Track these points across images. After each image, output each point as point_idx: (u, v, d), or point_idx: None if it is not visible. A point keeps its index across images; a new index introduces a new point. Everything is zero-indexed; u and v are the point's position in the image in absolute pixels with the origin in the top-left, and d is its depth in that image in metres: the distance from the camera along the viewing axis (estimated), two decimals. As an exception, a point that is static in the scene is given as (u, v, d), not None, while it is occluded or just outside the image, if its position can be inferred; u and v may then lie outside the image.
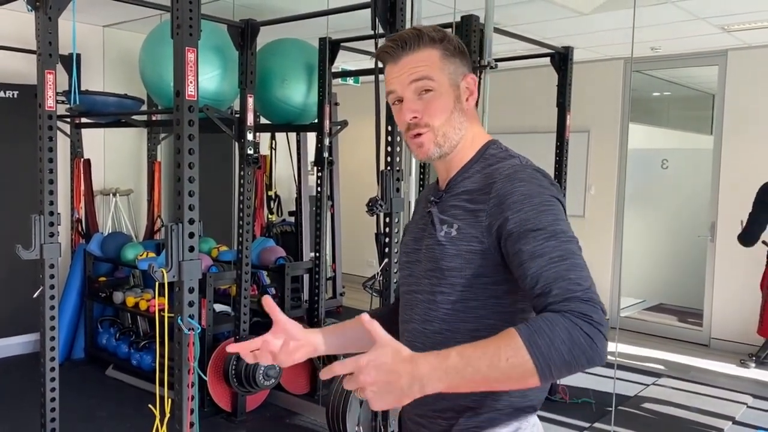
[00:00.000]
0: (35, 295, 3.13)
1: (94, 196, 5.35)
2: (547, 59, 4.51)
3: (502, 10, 4.26)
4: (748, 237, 4.83)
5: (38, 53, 3.07)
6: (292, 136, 5.46)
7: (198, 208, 2.62)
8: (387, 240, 3.12)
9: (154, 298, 4.56)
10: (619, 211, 6.27)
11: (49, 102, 3.08)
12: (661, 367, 5.33)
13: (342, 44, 4.21)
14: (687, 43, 5.53)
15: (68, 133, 5.20)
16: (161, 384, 2.69)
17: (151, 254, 4.61)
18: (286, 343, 1.27)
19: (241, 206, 3.98)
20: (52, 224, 3.07)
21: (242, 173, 3.98)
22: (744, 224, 4.89)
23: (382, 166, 3.15)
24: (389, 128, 3.14)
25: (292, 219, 5.87)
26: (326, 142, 4.21)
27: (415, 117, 1.27)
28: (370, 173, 3.57)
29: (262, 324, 4.40)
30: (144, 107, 5.16)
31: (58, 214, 3.11)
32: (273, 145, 5.98)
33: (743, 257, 5.46)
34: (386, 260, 3.13)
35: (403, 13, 3.09)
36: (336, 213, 5.06)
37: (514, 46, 4.78)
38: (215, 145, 5.51)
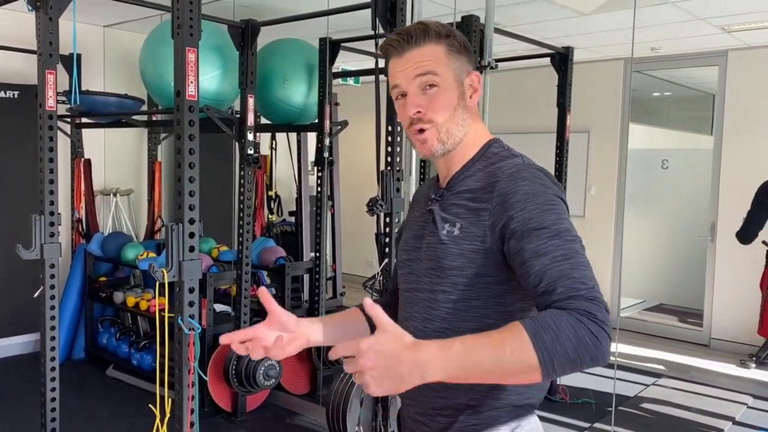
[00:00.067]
0: (35, 295, 3.13)
1: (94, 196, 5.35)
2: (548, 59, 4.51)
3: (503, 10, 4.25)
4: (745, 235, 4.83)
5: (39, 53, 3.08)
6: (293, 136, 5.46)
7: (198, 208, 2.62)
8: (387, 240, 3.13)
9: (155, 298, 4.57)
10: (620, 211, 6.27)
11: (50, 102, 3.08)
12: (662, 367, 5.33)
13: (342, 44, 4.21)
14: (687, 43, 5.53)
15: (69, 133, 5.20)
16: (161, 384, 2.69)
17: (152, 254, 4.61)
18: (279, 339, 1.26)
19: (241, 206, 3.99)
20: (52, 224, 3.07)
21: (242, 173, 3.98)
22: (743, 221, 4.89)
23: (382, 166, 3.15)
24: (389, 128, 3.14)
25: (293, 219, 5.86)
26: (326, 142, 4.21)
27: (419, 112, 1.26)
28: (371, 173, 3.57)
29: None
30: (144, 107, 5.16)
31: (59, 214, 3.11)
32: (273, 145, 5.98)
33: (743, 257, 5.46)
34: (386, 260, 3.13)
35: (404, 13, 3.09)
36: (336, 213, 5.06)
37: (514, 46, 4.78)
38: (216, 145, 5.51)
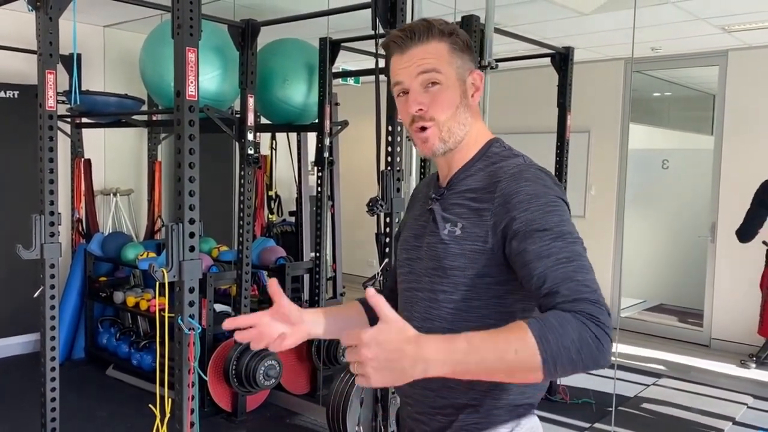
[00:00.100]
0: (35, 295, 3.13)
1: (94, 195, 5.35)
2: (548, 59, 4.51)
3: (503, 10, 4.25)
4: (745, 233, 4.82)
5: (39, 53, 3.08)
6: (293, 136, 5.46)
7: (198, 208, 2.62)
8: (387, 240, 3.12)
9: (155, 297, 4.57)
10: (620, 211, 6.26)
11: (50, 102, 3.08)
12: (662, 367, 5.33)
13: (342, 44, 4.21)
14: (687, 43, 5.53)
15: (69, 133, 5.20)
16: (161, 384, 2.69)
17: (152, 254, 4.61)
18: (281, 336, 1.28)
19: (241, 206, 3.98)
20: (52, 224, 3.07)
21: (243, 173, 3.98)
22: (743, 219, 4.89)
23: (382, 166, 3.15)
24: (390, 128, 3.14)
25: (293, 219, 5.86)
26: (327, 142, 4.21)
27: (421, 109, 1.26)
28: (371, 173, 3.57)
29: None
30: (144, 107, 5.16)
31: (59, 213, 3.11)
32: (273, 145, 5.98)
33: (744, 258, 5.46)
34: (386, 260, 3.13)
35: (404, 13, 3.09)
36: (336, 213, 5.05)
37: (514, 46, 4.77)
38: (216, 145, 5.51)
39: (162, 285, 2.50)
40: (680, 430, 4.11)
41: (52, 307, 3.11)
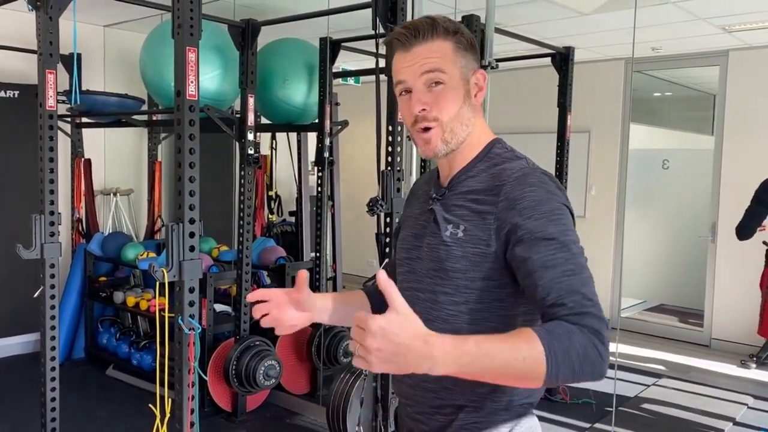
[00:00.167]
0: (36, 295, 3.13)
1: (94, 195, 5.35)
2: (548, 59, 4.51)
3: (503, 10, 4.25)
4: (744, 231, 4.81)
5: (39, 53, 3.08)
6: (293, 136, 5.45)
7: (198, 208, 2.62)
8: (387, 240, 3.12)
9: (155, 297, 4.56)
10: (620, 211, 6.26)
11: (50, 102, 3.07)
12: (662, 367, 5.33)
13: (343, 44, 4.20)
14: (688, 43, 5.53)
15: (69, 132, 5.20)
16: (161, 384, 2.69)
17: (152, 254, 4.61)
18: (292, 328, 1.35)
19: (241, 206, 3.98)
20: (52, 224, 3.07)
21: (243, 173, 3.97)
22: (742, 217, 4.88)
23: (382, 166, 3.15)
24: (390, 128, 3.14)
25: (293, 219, 5.86)
26: (327, 142, 4.21)
27: (424, 109, 1.24)
28: (371, 173, 3.57)
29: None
30: (145, 107, 5.16)
31: (59, 213, 3.11)
32: (273, 145, 5.97)
33: (744, 258, 5.46)
34: (386, 260, 3.13)
35: (404, 13, 3.09)
36: (336, 213, 5.04)
37: (514, 46, 4.77)
38: (216, 145, 5.51)
39: (162, 285, 2.50)
40: (680, 430, 4.11)
41: (52, 307, 3.11)
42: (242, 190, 3.96)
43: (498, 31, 3.67)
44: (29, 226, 3.04)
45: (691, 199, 6.87)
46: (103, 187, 5.58)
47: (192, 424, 2.64)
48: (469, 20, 3.51)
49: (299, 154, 5.40)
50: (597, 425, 4.07)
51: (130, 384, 4.56)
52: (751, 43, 5.42)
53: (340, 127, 4.52)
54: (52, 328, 3.12)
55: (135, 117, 4.88)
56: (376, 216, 3.13)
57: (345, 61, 5.93)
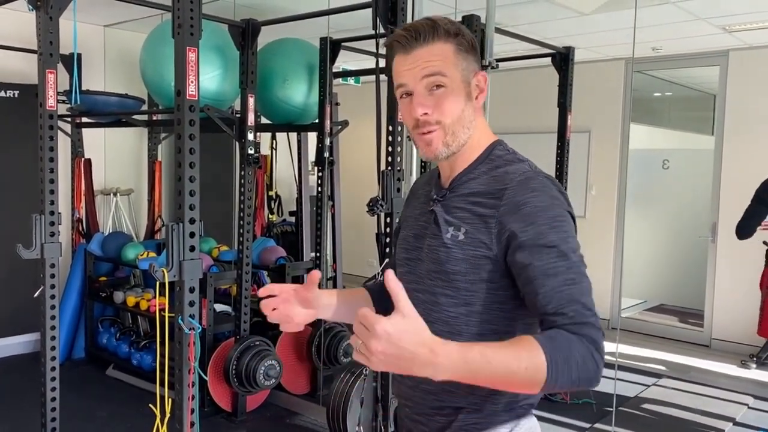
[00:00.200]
0: (36, 295, 3.13)
1: (94, 195, 5.35)
2: (548, 59, 4.51)
3: (503, 10, 4.25)
4: (743, 230, 4.80)
5: (39, 53, 3.07)
6: (293, 136, 5.46)
7: (199, 208, 2.62)
8: (388, 240, 3.12)
9: (155, 297, 4.56)
10: (620, 211, 6.26)
11: (50, 101, 3.07)
12: (662, 367, 5.33)
13: (343, 44, 4.20)
14: (688, 43, 5.53)
15: (69, 132, 5.20)
16: (162, 384, 2.69)
17: (152, 254, 4.61)
18: (297, 325, 1.35)
19: (241, 206, 3.98)
20: (52, 224, 3.07)
21: (243, 173, 3.97)
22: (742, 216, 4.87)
23: (382, 166, 3.15)
24: (390, 128, 3.13)
25: (293, 219, 5.86)
26: (327, 142, 4.21)
27: (426, 114, 1.23)
28: (371, 173, 3.57)
29: (262, 324, 4.40)
30: (145, 107, 5.16)
31: (59, 213, 3.11)
32: (274, 145, 5.97)
33: (744, 258, 5.46)
34: (387, 260, 3.13)
35: (404, 12, 3.09)
36: (336, 213, 5.05)
37: (515, 46, 4.77)
38: (216, 144, 5.51)
39: (162, 285, 2.50)
40: (681, 430, 4.11)
41: (53, 307, 3.11)
42: (242, 190, 3.96)
43: (498, 31, 3.66)
44: (29, 226, 3.04)
45: (691, 199, 6.87)
46: (103, 187, 5.58)
47: (192, 424, 2.64)
48: (470, 20, 3.51)
49: (299, 154, 5.41)
50: (597, 425, 4.07)
51: (130, 384, 4.56)
52: (752, 43, 5.42)
53: (340, 127, 4.52)
54: (53, 327, 3.12)
55: (135, 117, 4.88)
56: (376, 216, 3.13)
57: (345, 61, 5.93)
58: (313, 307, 1.36)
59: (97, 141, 5.57)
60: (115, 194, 5.57)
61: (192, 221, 2.59)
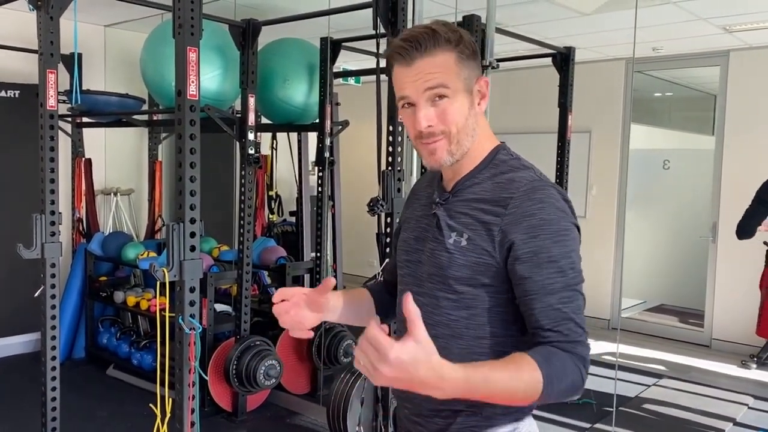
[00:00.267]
0: (36, 295, 3.13)
1: (95, 195, 5.35)
2: (549, 59, 4.51)
3: (504, 10, 4.25)
4: (742, 230, 4.79)
5: (40, 53, 3.07)
6: (293, 135, 5.46)
7: (199, 208, 2.62)
8: (388, 240, 3.12)
9: (155, 297, 4.56)
10: (621, 211, 6.26)
11: (51, 101, 3.07)
12: (662, 367, 5.32)
13: (343, 44, 4.20)
14: (689, 43, 5.52)
15: (69, 132, 5.20)
16: (162, 383, 2.69)
17: (152, 254, 4.61)
18: (307, 333, 1.35)
19: (242, 206, 3.98)
20: (53, 223, 3.07)
21: (243, 173, 3.97)
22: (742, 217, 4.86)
23: (383, 166, 3.15)
24: (390, 128, 3.13)
25: (293, 219, 5.86)
26: (327, 142, 4.21)
27: (431, 126, 1.22)
28: (372, 173, 3.57)
29: (262, 324, 4.40)
30: (145, 107, 5.16)
31: (59, 213, 3.11)
32: (274, 145, 5.97)
33: (745, 258, 5.45)
34: (387, 260, 3.13)
35: (405, 13, 3.09)
36: (337, 213, 5.05)
37: (515, 46, 4.77)
38: (216, 144, 5.51)
39: (162, 285, 2.50)
40: (681, 430, 4.11)
41: (53, 307, 3.11)
42: (243, 189, 3.96)
43: (499, 31, 3.66)
44: (30, 226, 3.04)
45: (691, 200, 6.87)
46: (103, 187, 5.58)
47: (192, 424, 2.64)
48: (470, 20, 3.50)
49: (300, 154, 5.41)
50: (597, 425, 4.07)
51: (130, 384, 4.56)
52: (752, 43, 5.42)
53: (340, 127, 4.52)
54: (53, 327, 3.12)
55: (135, 117, 4.88)
56: (376, 216, 3.13)
57: (345, 60, 5.93)
58: (321, 311, 1.36)
59: (97, 141, 5.57)
60: (115, 194, 5.57)
61: (192, 221, 2.59)
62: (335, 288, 1.33)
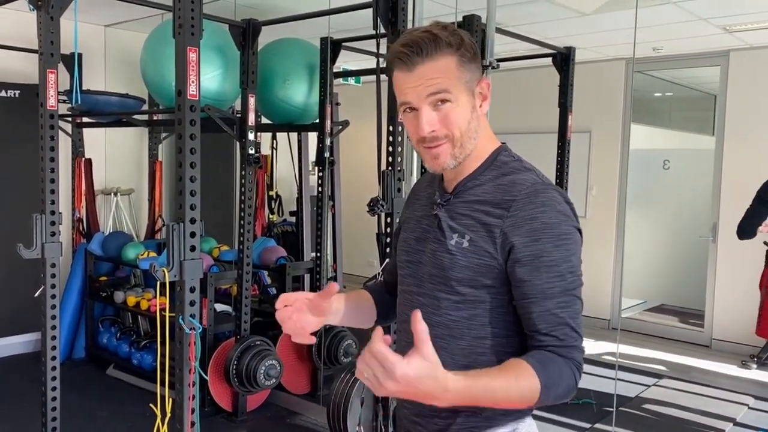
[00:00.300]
0: (36, 295, 3.13)
1: (95, 195, 5.35)
2: (549, 59, 4.51)
3: (504, 10, 4.25)
4: (743, 230, 4.79)
5: (40, 53, 3.07)
6: (294, 135, 5.46)
7: (199, 208, 2.62)
8: (388, 240, 3.12)
9: (155, 297, 4.56)
10: (621, 211, 6.26)
11: (51, 101, 3.07)
12: (662, 368, 5.32)
13: (343, 44, 4.20)
14: (689, 43, 5.52)
15: (70, 132, 5.20)
16: (162, 383, 2.69)
17: (152, 254, 4.61)
18: (310, 338, 1.34)
19: (242, 206, 3.98)
20: (53, 223, 3.07)
21: (243, 173, 3.97)
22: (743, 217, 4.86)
23: (383, 166, 3.15)
24: (390, 128, 3.13)
25: (293, 219, 5.86)
26: (327, 142, 4.21)
27: (434, 131, 1.22)
28: (372, 173, 3.57)
29: (262, 324, 4.40)
30: (145, 107, 5.16)
31: (60, 213, 3.11)
32: (274, 145, 5.97)
33: (745, 258, 5.45)
34: (387, 260, 3.13)
35: (405, 13, 3.09)
36: (337, 213, 5.05)
37: (515, 46, 4.77)
38: (217, 144, 5.51)
39: (163, 284, 2.50)
40: (681, 430, 4.11)
41: (53, 307, 3.11)
42: (243, 189, 3.96)
43: (499, 31, 3.66)
44: (30, 226, 3.04)
45: (691, 200, 6.87)
46: (103, 187, 5.58)
47: (192, 424, 2.64)
48: (470, 20, 3.50)
49: (300, 154, 5.41)
50: (597, 425, 4.07)
51: (130, 384, 4.56)
52: (752, 43, 5.42)
53: (340, 127, 4.52)
54: (53, 327, 3.12)
55: (136, 117, 4.88)
56: (376, 216, 3.13)
57: (346, 60, 5.93)
58: (324, 315, 1.35)
59: (97, 141, 5.57)
60: (115, 194, 5.57)
61: (193, 221, 2.59)
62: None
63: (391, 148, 3.12)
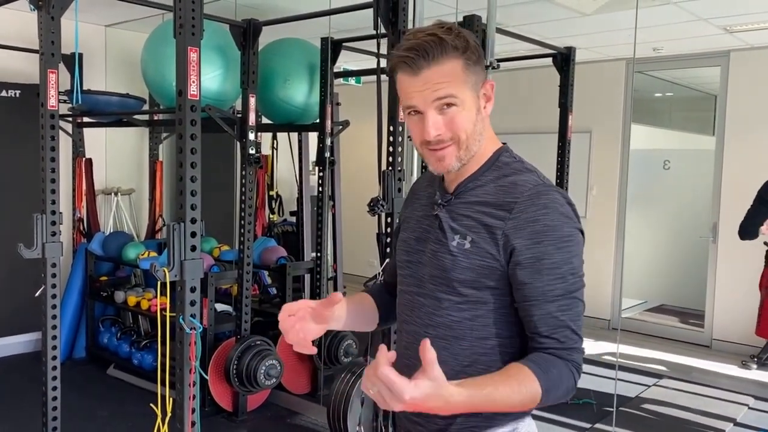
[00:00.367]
0: (37, 294, 3.13)
1: (95, 195, 5.35)
2: (549, 59, 4.51)
3: (504, 10, 4.25)
4: (744, 230, 4.78)
5: (41, 53, 3.08)
6: (294, 135, 5.46)
7: (200, 208, 2.62)
8: (388, 240, 3.12)
9: (156, 297, 4.57)
10: (621, 211, 6.26)
11: (52, 101, 3.08)
12: (663, 368, 5.32)
13: (344, 44, 4.21)
14: (689, 43, 5.52)
15: (70, 132, 5.21)
16: (162, 383, 2.69)
17: (153, 253, 4.61)
18: (312, 349, 1.33)
19: (242, 206, 3.99)
20: (53, 223, 3.07)
21: (244, 173, 3.98)
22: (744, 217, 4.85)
23: (383, 166, 3.15)
24: (391, 128, 3.13)
25: (294, 219, 5.86)
26: (328, 142, 4.21)
27: (439, 135, 1.22)
28: (372, 173, 3.57)
29: (263, 324, 4.40)
30: (146, 107, 5.16)
31: (60, 213, 3.11)
32: (275, 145, 5.98)
33: (745, 258, 5.45)
34: (387, 260, 3.13)
35: (406, 13, 3.09)
36: (337, 213, 5.05)
37: (515, 46, 4.77)
38: (217, 144, 5.51)
39: (163, 284, 2.50)
40: (681, 430, 4.11)
41: (54, 307, 3.11)
42: (243, 189, 3.96)
43: (499, 31, 3.66)
44: (30, 226, 3.04)
45: (691, 200, 6.87)
46: (104, 187, 5.58)
47: (193, 424, 2.64)
48: (471, 20, 3.50)
49: (300, 154, 5.41)
50: (597, 425, 4.07)
51: (131, 383, 4.57)
52: (753, 43, 5.42)
53: (341, 127, 4.52)
54: (54, 327, 3.12)
55: (136, 117, 4.88)
56: (376, 216, 3.13)
57: (346, 61, 5.94)
58: (327, 323, 1.35)
59: (98, 141, 5.58)
60: (116, 194, 5.57)
61: (193, 221, 2.60)
62: (335, 287, 1.33)
63: (391, 148, 3.12)
